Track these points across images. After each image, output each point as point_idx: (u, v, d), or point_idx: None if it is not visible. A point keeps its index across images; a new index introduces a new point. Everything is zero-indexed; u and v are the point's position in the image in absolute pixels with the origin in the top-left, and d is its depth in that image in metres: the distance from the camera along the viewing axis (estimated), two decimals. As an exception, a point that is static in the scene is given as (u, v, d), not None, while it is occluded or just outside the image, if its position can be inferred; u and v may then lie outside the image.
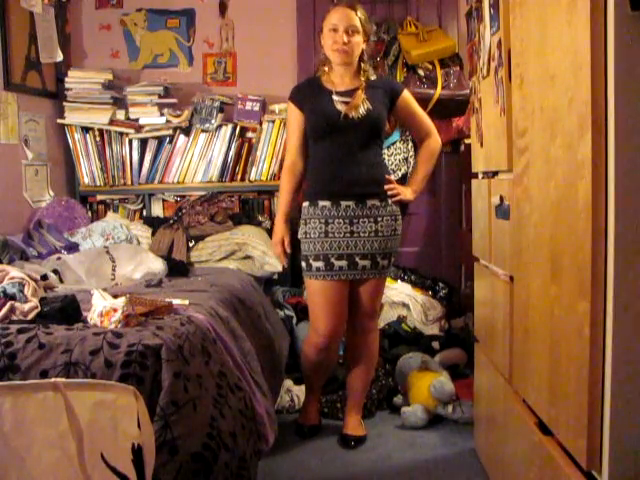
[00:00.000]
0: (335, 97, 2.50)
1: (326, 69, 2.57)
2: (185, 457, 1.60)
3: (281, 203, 2.64)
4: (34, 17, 3.45)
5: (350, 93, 2.50)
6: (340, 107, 2.48)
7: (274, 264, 3.31)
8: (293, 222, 2.73)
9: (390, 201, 2.52)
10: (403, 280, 3.62)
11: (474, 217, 2.47)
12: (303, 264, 2.56)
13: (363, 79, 2.52)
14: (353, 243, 2.48)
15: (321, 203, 2.51)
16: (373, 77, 2.56)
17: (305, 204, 2.58)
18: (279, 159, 3.69)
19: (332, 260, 2.48)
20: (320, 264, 2.49)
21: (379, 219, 2.49)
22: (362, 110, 2.46)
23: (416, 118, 2.64)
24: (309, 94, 2.57)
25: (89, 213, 3.77)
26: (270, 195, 3.81)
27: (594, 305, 1.25)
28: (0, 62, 3.19)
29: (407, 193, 2.57)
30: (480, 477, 2.28)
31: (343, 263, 2.48)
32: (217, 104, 3.71)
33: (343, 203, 2.48)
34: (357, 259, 2.48)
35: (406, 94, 2.60)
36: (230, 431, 1.80)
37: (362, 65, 2.55)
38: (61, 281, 2.61)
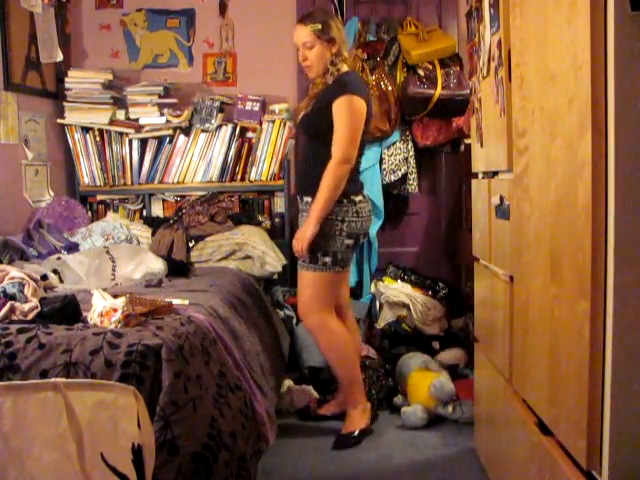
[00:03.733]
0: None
1: None
2: (185, 457, 1.60)
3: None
4: (34, 17, 3.45)
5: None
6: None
7: (274, 264, 3.31)
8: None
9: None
10: (403, 280, 3.62)
11: (474, 217, 2.47)
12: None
13: (321, 83, 2.61)
14: None
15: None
16: (344, 69, 2.54)
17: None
18: (279, 159, 3.69)
19: None
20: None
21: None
22: (302, 113, 2.64)
23: (334, 129, 2.46)
24: None
25: (89, 213, 3.78)
26: (270, 195, 3.81)
27: (594, 305, 1.25)
28: (0, 62, 3.19)
29: (305, 232, 2.46)
30: (480, 477, 2.28)
31: None
32: (217, 104, 3.71)
33: (304, 198, 2.62)
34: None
35: (339, 102, 2.43)
36: (230, 431, 1.80)
37: (329, 69, 2.53)
38: (61, 281, 2.61)
